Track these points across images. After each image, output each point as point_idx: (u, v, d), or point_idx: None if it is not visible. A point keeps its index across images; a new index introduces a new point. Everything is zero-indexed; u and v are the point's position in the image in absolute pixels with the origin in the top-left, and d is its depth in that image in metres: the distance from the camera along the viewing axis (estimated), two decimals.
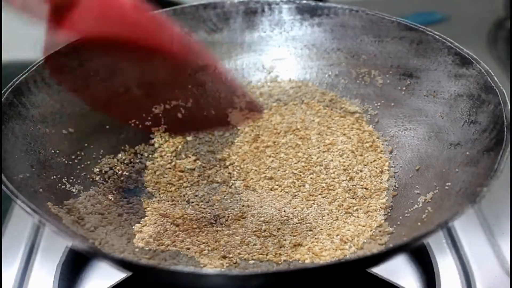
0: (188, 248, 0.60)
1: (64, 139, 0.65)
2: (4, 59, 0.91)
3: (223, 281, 0.48)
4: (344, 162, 0.69)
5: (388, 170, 0.68)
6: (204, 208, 0.65)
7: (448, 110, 0.66)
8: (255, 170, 0.69)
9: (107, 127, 0.70)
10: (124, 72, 0.65)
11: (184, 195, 0.67)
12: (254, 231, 0.62)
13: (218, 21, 0.77)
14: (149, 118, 0.70)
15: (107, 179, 0.66)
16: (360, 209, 0.64)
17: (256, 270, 0.49)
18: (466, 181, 0.58)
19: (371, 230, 0.62)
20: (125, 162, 0.69)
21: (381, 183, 0.67)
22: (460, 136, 0.63)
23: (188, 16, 0.76)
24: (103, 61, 0.64)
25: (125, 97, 0.67)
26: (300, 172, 0.68)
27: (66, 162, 0.64)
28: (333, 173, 0.68)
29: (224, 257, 0.59)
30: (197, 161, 0.71)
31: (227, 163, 0.71)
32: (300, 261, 0.59)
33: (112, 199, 0.65)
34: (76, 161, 0.65)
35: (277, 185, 0.67)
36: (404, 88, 0.71)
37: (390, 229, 0.61)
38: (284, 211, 0.64)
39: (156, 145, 0.72)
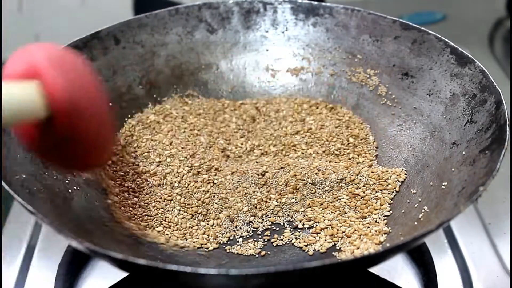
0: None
1: None
2: (4, 59, 0.91)
3: (222, 280, 0.48)
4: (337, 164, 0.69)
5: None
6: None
7: (443, 109, 0.66)
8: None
9: None
10: None
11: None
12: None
13: (216, 21, 0.77)
14: None
15: (101, 180, 0.66)
16: (356, 208, 0.64)
17: (256, 270, 0.49)
18: (463, 180, 0.58)
19: (368, 230, 0.62)
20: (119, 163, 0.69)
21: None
22: (456, 135, 0.63)
23: (186, 16, 0.76)
24: None
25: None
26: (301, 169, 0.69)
27: None
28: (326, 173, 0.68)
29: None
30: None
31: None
32: (292, 244, 0.61)
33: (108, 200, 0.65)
34: None
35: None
36: (400, 88, 0.71)
37: (387, 228, 0.61)
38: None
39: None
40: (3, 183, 0.52)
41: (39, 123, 0.47)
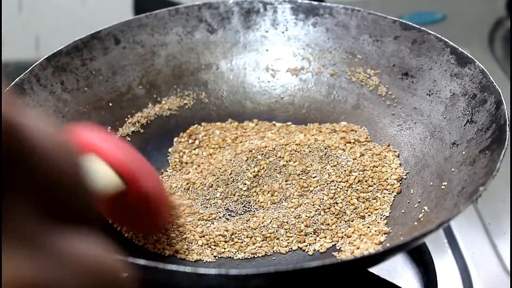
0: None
1: None
2: (4, 59, 0.91)
3: (222, 281, 0.48)
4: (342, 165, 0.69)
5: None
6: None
7: (443, 109, 0.66)
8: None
9: (108, 128, 0.70)
10: None
11: None
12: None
13: (216, 21, 0.77)
14: None
15: None
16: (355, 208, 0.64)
17: (256, 270, 0.49)
18: (463, 180, 0.58)
19: (367, 230, 0.62)
20: None
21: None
22: (456, 135, 0.63)
23: (186, 16, 0.76)
24: None
25: None
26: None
27: None
28: (325, 175, 0.68)
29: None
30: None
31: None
32: (288, 248, 0.61)
33: None
34: None
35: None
36: (400, 88, 0.71)
37: (387, 228, 0.61)
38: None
39: None
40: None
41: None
